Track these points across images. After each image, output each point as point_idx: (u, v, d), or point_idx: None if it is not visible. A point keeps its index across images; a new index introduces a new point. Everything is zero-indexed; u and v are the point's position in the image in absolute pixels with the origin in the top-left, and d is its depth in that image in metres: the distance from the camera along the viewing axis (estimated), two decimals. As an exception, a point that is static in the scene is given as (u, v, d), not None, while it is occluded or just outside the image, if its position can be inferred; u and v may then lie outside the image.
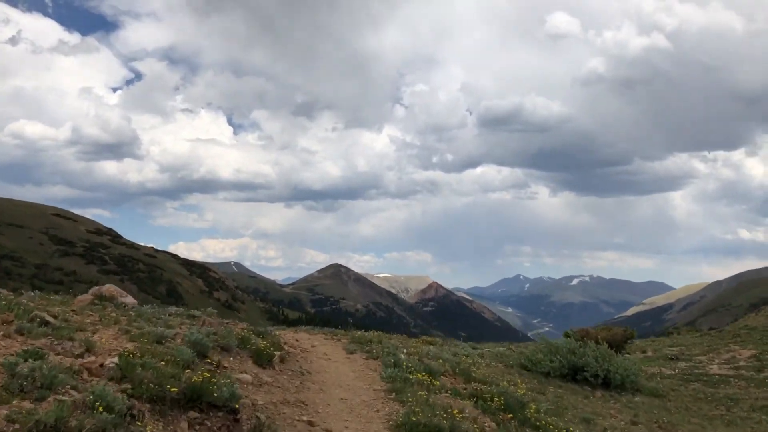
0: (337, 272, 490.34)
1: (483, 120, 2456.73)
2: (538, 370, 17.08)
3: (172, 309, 15.09)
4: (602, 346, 18.27)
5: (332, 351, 14.81)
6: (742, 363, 21.00)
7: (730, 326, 34.47)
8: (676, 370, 20.58)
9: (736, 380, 18.20)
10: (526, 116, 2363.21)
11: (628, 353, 22.64)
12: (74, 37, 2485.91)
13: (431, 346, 17.67)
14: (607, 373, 16.34)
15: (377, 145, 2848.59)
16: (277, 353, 11.88)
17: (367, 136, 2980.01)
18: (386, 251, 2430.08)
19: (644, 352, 25.66)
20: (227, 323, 14.30)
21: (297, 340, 15.89)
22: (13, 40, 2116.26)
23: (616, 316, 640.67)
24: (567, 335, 25.07)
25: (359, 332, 18.00)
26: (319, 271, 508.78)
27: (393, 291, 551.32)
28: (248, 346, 11.44)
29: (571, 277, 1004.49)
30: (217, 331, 11.40)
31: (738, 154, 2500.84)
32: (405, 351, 14.62)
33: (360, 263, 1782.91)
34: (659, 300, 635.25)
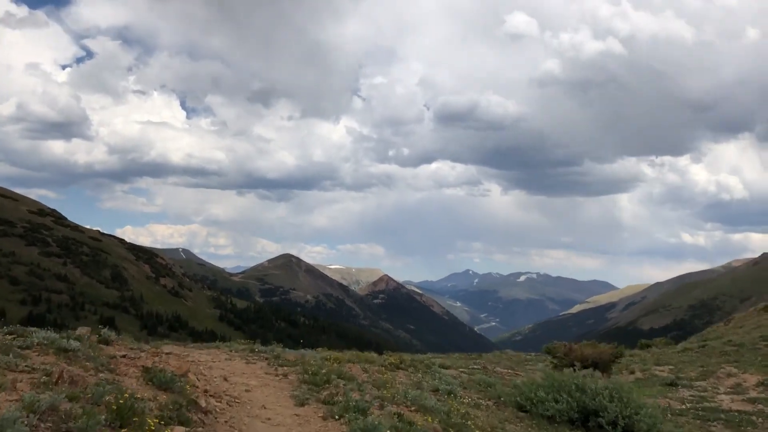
0: (288, 263, 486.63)
1: (440, 115, 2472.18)
2: (540, 413, 13.67)
3: (39, 335, 9.05)
4: (596, 373, 15.69)
5: (275, 400, 10.27)
6: (754, 394, 19.16)
7: (713, 339, 33.76)
8: (685, 404, 18.29)
9: (760, 419, 15.95)
10: (481, 114, 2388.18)
11: (614, 374, 20.63)
12: (22, 10, 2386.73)
13: (405, 378, 14.46)
14: (628, 421, 12.69)
15: (334, 136, 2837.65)
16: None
17: (324, 127, 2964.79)
18: (339, 243, 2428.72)
19: (632, 372, 23.40)
20: (112, 373, 8.28)
21: (225, 379, 11.02)
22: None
23: (561, 314, 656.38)
24: (548, 351, 22.12)
25: (312, 359, 13.96)
26: (270, 260, 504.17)
27: (344, 283, 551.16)
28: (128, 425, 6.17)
29: (519, 274, 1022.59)
30: (74, 397, 6.44)
31: (684, 160, 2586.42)
32: (376, 397, 10.57)
33: (312, 254, 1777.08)
34: (602, 299, 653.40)
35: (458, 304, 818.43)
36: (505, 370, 20.99)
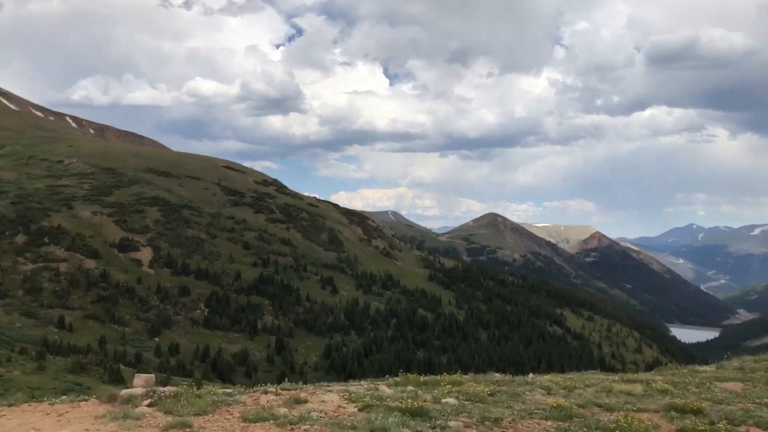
0: (493, 222, 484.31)
1: (652, 57, 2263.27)
2: None
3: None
4: None
5: None
6: None
7: None
8: None
9: None
10: (701, 51, 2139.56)
11: None
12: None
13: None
14: None
15: (535, 90, 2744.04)
16: None
17: (524, 81, 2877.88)
18: (545, 200, 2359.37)
19: None
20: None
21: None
22: (187, 4, 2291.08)
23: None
24: None
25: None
26: (475, 220, 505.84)
27: (552, 241, 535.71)
28: None
29: (753, 227, 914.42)
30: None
31: None
32: None
33: (517, 212, 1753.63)
34: None
35: (681, 261, 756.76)
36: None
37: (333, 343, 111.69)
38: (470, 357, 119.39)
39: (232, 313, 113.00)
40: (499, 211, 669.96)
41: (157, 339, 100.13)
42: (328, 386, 13.92)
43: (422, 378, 13.65)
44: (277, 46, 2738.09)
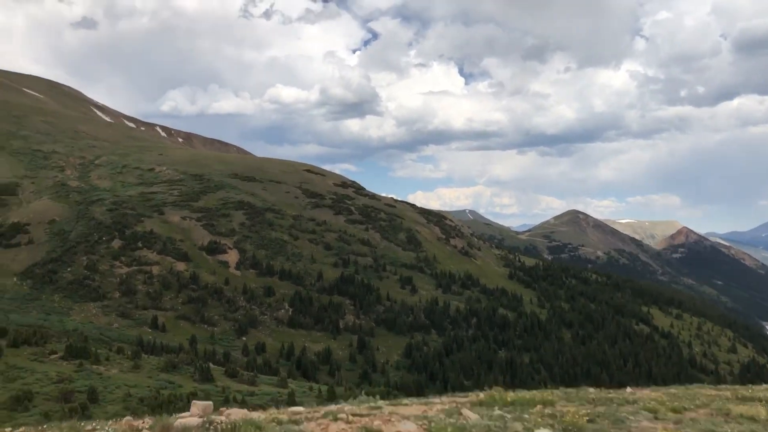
0: (574, 218, 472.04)
1: (740, 44, 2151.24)
2: None
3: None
4: None
5: None
6: None
7: None
8: None
9: None
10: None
11: None
12: (317, 5, 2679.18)
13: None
14: None
15: (615, 83, 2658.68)
16: None
17: (603, 74, 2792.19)
18: (628, 195, 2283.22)
19: None
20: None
21: None
22: (267, 14, 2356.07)
23: None
24: None
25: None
26: (556, 217, 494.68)
27: (637, 237, 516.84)
28: None
29: None
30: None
31: None
32: None
33: (599, 209, 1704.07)
34: None
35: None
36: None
37: (414, 342, 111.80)
38: (553, 356, 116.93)
39: (315, 313, 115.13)
40: (580, 207, 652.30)
41: (244, 338, 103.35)
42: (407, 403, 13.27)
43: (509, 396, 12.79)
44: (354, 51, 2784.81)
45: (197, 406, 10.80)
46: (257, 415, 10.61)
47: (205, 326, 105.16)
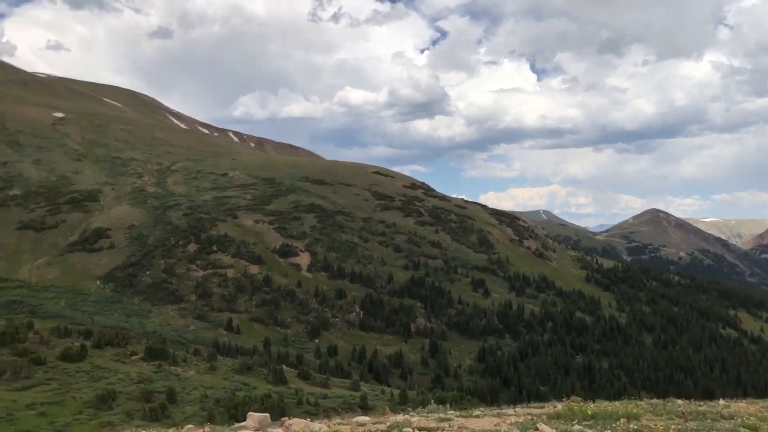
0: (655, 218, 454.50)
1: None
2: None
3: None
4: None
5: None
6: None
7: None
8: None
9: None
10: None
11: None
12: (385, 6, 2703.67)
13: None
14: None
15: (697, 75, 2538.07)
16: None
17: (684, 66, 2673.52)
18: (713, 193, 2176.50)
19: None
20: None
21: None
22: (335, 17, 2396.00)
23: None
24: None
25: None
26: (635, 217, 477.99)
27: (723, 237, 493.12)
28: None
29: None
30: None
31: None
32: None
33: (681, 207, 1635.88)
34: None
35: None
36: None
37: (487, 346, 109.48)
38: (634, 361, 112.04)
39: (386, 316, 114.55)
40: (661, 206, 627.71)
41: (316, 340, 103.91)
42: (478, 414, 12.38)
43: (590, 409, 11.66)
44: (422, 51, 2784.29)
45: (253, 418, 10.41)
46: (318, 426, 9.98)
47: (278, 328, 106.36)
